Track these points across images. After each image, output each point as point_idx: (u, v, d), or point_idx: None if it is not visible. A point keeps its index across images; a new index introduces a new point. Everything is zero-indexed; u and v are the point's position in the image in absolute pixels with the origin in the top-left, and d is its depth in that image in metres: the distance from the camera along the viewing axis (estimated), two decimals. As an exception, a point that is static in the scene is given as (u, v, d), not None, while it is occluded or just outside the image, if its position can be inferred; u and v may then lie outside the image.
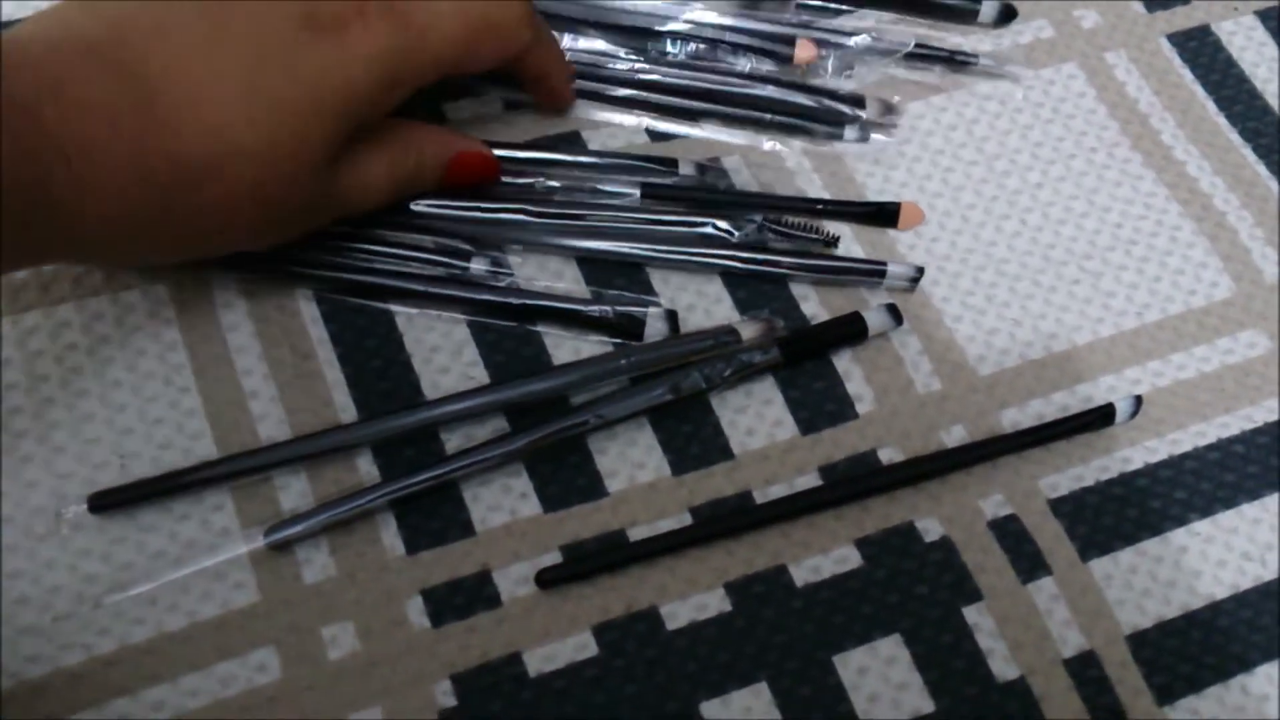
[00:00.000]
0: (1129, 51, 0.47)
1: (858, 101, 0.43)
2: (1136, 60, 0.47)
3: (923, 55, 0.45)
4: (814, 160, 0.43)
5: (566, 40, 0.43)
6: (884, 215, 0.41)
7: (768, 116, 0.43)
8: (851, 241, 0.41)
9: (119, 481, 0.35)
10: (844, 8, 0.45)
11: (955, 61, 0.45)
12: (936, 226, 0.42)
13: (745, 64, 0.43)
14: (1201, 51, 0.47)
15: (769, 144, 0.42)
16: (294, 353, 0.37)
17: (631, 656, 0.34)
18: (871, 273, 0.40)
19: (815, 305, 0.40)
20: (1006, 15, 0.47)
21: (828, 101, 0.43)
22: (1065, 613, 0.36)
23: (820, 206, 0.41)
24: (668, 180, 0.41)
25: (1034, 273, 0.42)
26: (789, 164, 0.42)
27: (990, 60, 0.45)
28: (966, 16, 0.46)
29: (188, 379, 0.37)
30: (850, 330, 0.39)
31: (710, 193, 0.41)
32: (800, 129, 0.43)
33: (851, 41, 0.44)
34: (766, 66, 0.44)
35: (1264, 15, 0.49)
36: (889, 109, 0.44)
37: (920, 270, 0.40)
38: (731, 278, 0.40)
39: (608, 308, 0.38)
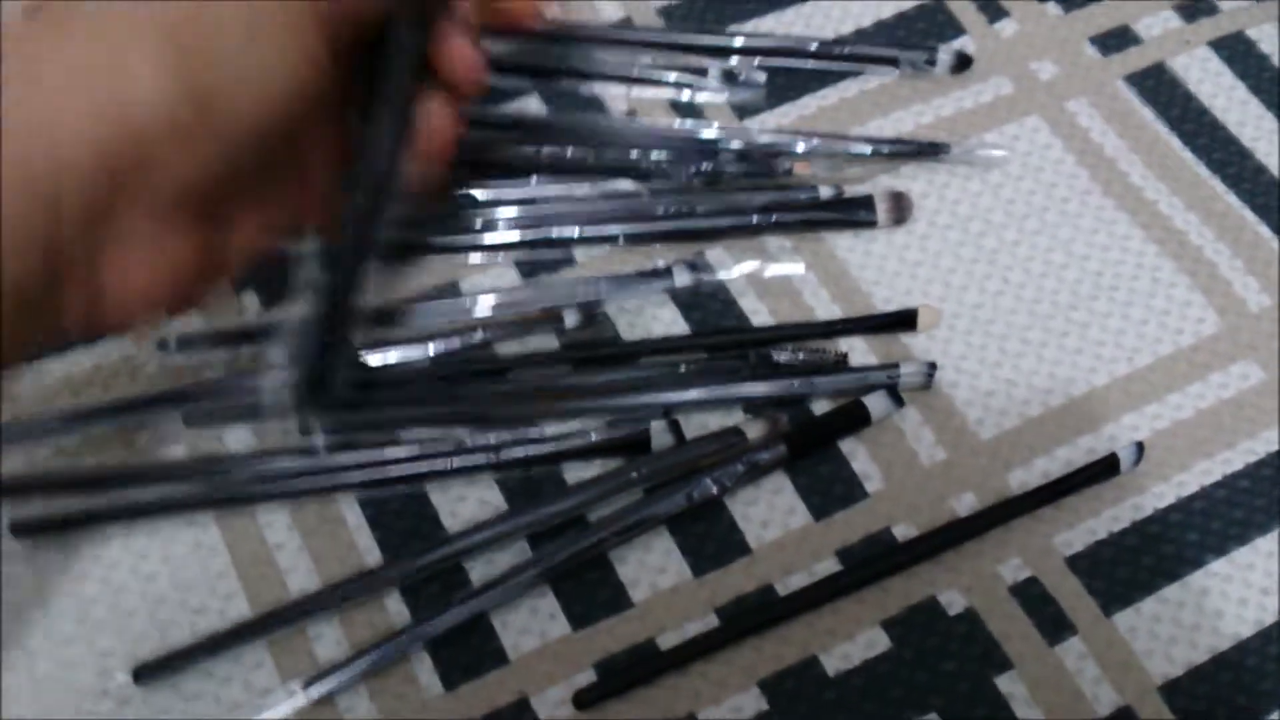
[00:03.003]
0: (1089, 98, 0.48)
1: (866, 202, 0.44)
2: (1097, 105, 0.48)
3: (898, 154, 0.46)
4: (819, 273, 0.43)
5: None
6: (903, 322, 0.42)
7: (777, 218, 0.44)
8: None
9: (160, 651, 0.36)
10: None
11: (928, 151, 0.46)
12: (920, 295, 0.43)
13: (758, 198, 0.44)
14: (1160, 89, 0.48)
15: (772, 269, 0.43)
16: (315, 501, 0.38)
17: (676, 765, 0.35)
18: (886, 377, 0.41)
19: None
20: (962, 63, 0.48)
21: (840, 214, 0.44)
22: (1095, 670, 0.36)
23: (840, 327, 0.42)
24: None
25: (1022, 330, 0.43)
26: (794, 282, 0.43)
27: (961, 148, 0.46)
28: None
29: (215, 538, 0.38)
30: (853, 419, 0.39)
31: (739, 332, 0.42)
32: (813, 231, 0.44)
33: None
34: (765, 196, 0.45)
35: (1216, 45, 0.50)
36: (898, 201, 0.44)
37: (933, 365, 0.41)
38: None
39: (615, 433, 0.39)
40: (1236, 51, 0.50)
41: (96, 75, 0.26)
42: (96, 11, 0.26)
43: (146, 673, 0.35)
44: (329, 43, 0.28)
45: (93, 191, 0.26)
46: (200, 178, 0.27)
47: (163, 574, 0.37)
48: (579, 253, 0.44)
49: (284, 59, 0.28)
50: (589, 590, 0.37)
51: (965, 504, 0.39)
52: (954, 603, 0.37)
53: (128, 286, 0.28)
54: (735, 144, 0.45)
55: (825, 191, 0.45)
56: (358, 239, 0.32)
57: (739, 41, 0.47)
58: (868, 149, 0.45)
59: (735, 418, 0.40)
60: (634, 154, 0.45)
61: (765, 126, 0.46)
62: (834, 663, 0.36)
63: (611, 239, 0.43)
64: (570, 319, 0.42)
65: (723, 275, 0.43)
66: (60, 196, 0.25)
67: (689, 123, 0.46)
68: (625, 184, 0.45)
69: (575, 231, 0.43)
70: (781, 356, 0.41)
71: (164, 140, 0.26)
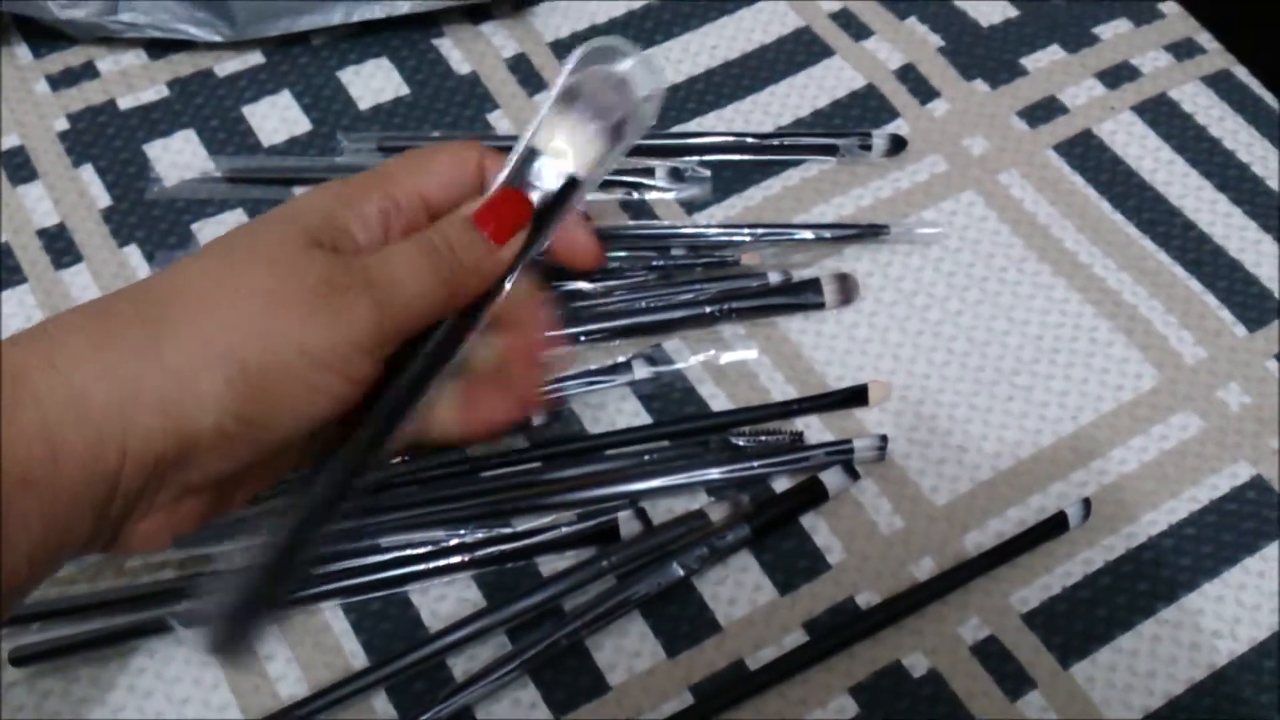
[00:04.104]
0: (1020, 169, 0.50)
1: (814, 285, 0.46)
2: (1028, 176, 0.50)
3: (841, 237, 0.48)
4: (772, 356, 0.45)
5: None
6: (855, 398, 0.44)
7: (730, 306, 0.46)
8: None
9: (158, 767, 0.37)
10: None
11: (870, 233, 0.48)
12: (871, 371, 0.45)
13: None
14: (1088, 156, 0.51)
15: (727, 355, 0.45)
16: (300, 610, 0.40)
17: (659, 843, 0.36)
18: (841, 453, 0.42)
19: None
20: (897, 145, 0.50)
21: (790, 298, 0.46)
22: (1056, 722, 0.38)
23: (795, 407, 0.44)
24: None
25: (969, 397, 0.44)
26: (749, 366, 0.45)
27: (900, 228, 0.48)
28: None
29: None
30: (812, 495, 0.41)
31: (699, 419, 0.44)
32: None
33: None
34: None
35: (1140, 109, 0.52)
36: (844, 282, 0.46)
37: (885, 439, 0.43)
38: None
39: (585, 524, 0.41)
40: (1160, 114, 0.52)
41: (171, 390, 0.29)
42: (185, 333, 0.30)
43: (146, 789, 0.37)
44: (377, 362, 0.32)
45: (141, 478, 0.30)
46: (228, 471, 0.31)
47: (158, 690, 0.39)
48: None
49: (333, 387, 0.31)
50: (568, 678, 0.39)
51: (924, 569, 0.41)
52: (918, 665, 0.39)
53: (138, 533, 0.32)
54: (685, 238, 0.47)
55: (774, 278, 0.47)
56: (322, 511, 0.34)
57: (684, 140, 0.50)
58: (811, 234, 0.47)
59: (700, 501, 0.42)
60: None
61: (713, 220, 0.49)
62: (805, 733, 0.38)
63: (573, 338, 0.45)
64: (537, 417, 0.44)
65: (680, 365, 0.45)
66: (120, 479, 0.29)
67: (640, 221, 0.48)
68: (583, 284, 0.47)
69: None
70: (740, 440, 0.43)
71: (207, 447, 0.30)
